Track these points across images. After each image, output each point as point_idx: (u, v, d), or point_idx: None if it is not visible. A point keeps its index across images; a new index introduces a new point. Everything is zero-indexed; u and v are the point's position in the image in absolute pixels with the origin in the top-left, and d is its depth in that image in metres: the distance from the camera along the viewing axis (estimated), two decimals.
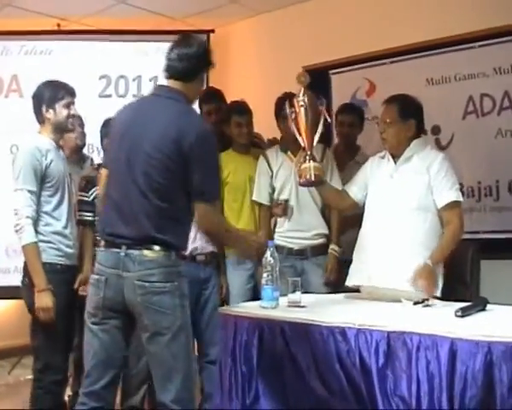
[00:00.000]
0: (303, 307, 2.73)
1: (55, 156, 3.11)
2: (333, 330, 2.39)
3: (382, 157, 3.13)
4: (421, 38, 4.27)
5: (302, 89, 2.98)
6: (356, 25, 4.62)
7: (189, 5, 4.96)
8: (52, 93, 3.11)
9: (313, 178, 2.97)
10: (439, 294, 2.89)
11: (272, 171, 3.63)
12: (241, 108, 3.81)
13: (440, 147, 4.18)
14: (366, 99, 4.51)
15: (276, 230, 3.70)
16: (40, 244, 3.03)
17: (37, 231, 3.03)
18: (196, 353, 3.71)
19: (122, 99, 4.45)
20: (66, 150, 3.52)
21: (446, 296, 2.86)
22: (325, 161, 3.58)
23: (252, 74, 5.15)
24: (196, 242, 3.53)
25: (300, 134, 2.98)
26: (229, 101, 4.04)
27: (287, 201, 3.56)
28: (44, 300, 2.97)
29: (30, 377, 3.16)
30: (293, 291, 2.76)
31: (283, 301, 2.75)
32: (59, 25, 5.23)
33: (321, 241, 3.62)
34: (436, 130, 4.21)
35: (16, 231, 3.02)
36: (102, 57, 4.92)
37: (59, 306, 3.01)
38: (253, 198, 3.72)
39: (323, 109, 2.98)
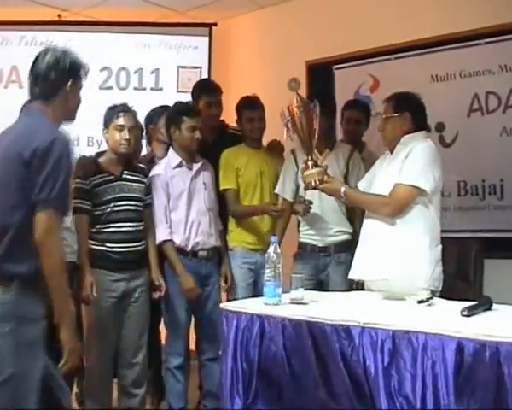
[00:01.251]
0: (305, 303, 2.70)
1: None
2: (336, 327, 2.36)
3: (386, 154, 3.15)
4: (427, 34, 4.23)
5: (295, 95, 2.98)
6: (360, 20, 4.57)
7: None
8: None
9: (315, 184, 3.03)
10: (426, 285, 2.83)
11: (298, 168, 3.57)
12: (253, 103, 3.81)
13: (444, 144, 4.15)
14: (370, 95, 4.48)
15: (300, 228, 3.70)
16: None
17: None
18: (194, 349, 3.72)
19: (123, 91, 4.41)
20: None
21: (449, 295, 2.82)
22: (351, 164, 3.58)
23: (254, 69, 5.11)
24: (198, 237, 3.51)
25: (301, 140, 3.05)
26: (230, 95, 4.02)
27: (311, 203, 3.50)
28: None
29: None
30: (296, 288, 2.73)
31: (286, 297, 2.72)
32: (60, 15, 5.18)
33: (344, 238, 3.59)
34: (440, 127, 4.18)
35: None
36: (103, 49, 4.88)
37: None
38: (276, 191, 3.73)
39: (316, 112, 2.99)
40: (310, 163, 3.03)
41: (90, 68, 4.39)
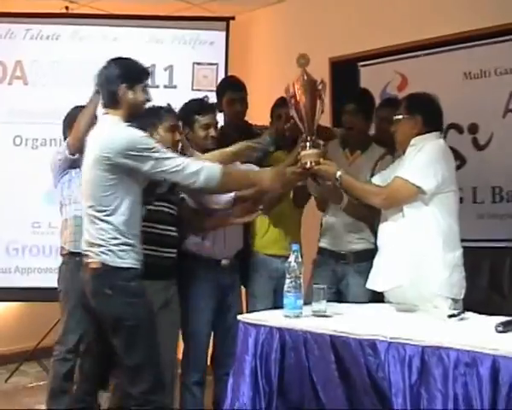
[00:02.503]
0: (329, 316, 2.72)
1: None
2: (362, 342, 2.37)
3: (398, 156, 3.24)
4: (459, 29, 4.22)
5: (302, 72, 3.09)
6: (387, 14, 4.58)
7: None
8: (133, 73, 3.00)
9: (310, 166, 3.08)
10: (460, 295, 2.92)
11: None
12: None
13: (478, 147, 4.15)
14: (397, 94, 4.47)
15: (321, 232, 3.73)
16: (123, 247, 2.87)
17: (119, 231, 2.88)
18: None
19: None
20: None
21: (482, 309, 2.82)
22: (377, 167, 3.56)
23: (274, 65, 5.13)
24: (219, 245, 3.53)
25: (301, 119, 3.10)
26: (249, 93, 4.04)
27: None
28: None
29: (30, 384, 3.18)
30: (318, 300, 2.74)
31: (307, 310, 2.74)
32: (67, 8, 5.24)
33: (364, 246, 3.59)
34: (474, 128, 4.17)
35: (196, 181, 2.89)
36: (113, 44, 4.92)
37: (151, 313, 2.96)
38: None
39: (322, 93, 3.10)
40: (308, 144, 3.08)
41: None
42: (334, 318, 2.71)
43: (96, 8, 5.25)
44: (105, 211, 2.86)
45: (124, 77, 2.93)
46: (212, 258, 3.54)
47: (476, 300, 2.97)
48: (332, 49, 4.69)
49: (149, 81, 3.10)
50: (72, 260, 3.71)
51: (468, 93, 4.00)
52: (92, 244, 2.90)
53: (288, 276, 2.69)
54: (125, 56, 3.05)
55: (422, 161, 2.94)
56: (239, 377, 2.67)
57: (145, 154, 2.81)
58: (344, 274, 3.60)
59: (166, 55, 4.93)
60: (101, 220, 2.87)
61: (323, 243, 3.70)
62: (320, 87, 3.11)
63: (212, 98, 3.90)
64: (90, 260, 2.90)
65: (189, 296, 3.47)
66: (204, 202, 3.44)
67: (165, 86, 4.85)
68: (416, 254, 2.93)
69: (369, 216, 3.43)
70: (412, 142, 3.03)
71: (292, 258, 2.71)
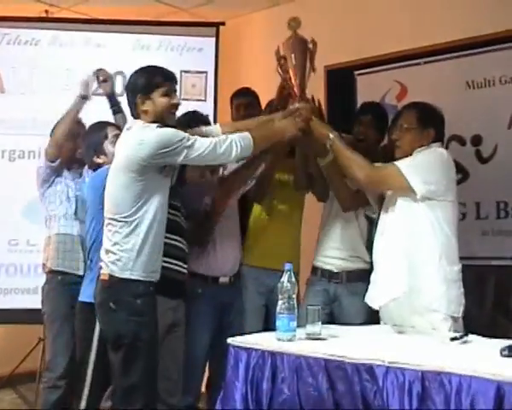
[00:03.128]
0: (323, 339, 2.72)
1: None
2: (358, 366, 2.37)
3: None
4: (461, 36, 4.26)
5: (293, 33, 3.29)
6: (385, 19, 4.63)
7: None
8: (148, 80, 3.06)
9: (302, 118, 3.21)
10: (459, 313, 2.94)
11: None
12: None
13: (482, 160, 4.17)
14: (397, 104, 4.50)
15: (316, 250, 3.73)
16: (136, 256, 2.92)
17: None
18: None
19: (119, 98, 4.43)
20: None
21: (488, 331, 2.83)
22: None
23: (266, 74, 5.09)
24: (217, 261, 3.55)
25: (290, 79, 3.27)
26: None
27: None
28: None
29: None
30: (313, 321, 2.74)
31: (301, 332, 2.74)
32: (47, 11, 5.27)
33: (359, 266, 3.60)
34: (477, 140, 4.19)
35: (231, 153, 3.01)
36: (97, 50, 4.95)
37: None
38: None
39: (312, 52, 3.28)
40: (297, 99, 3.26)
41: (81, 72, 4.49)
42: (329, 340, 2.71)
43: (78, 12, 5.27)
44: (126, 215, 2.91)
45: (138, 88, 3.03)
46: (210, 275, 3.58)
47: (480, 321, 2.99)
48: (327, 56, 4.66)
49: (173, 84, 3.11)
50: (55, 278, 3.71)
51: (470, 103, 4.02)
52: (106, 251, 2.97)
53: (280, 296, 2.69)
54: (146, 65, 3.15)
55: (422, 162, 3.00)
56: (227, 403, 2.66)
57: (176, 146, 2.90)
58: (336, 295, 3.61)
59: (153, 62, 4.91)
60: (120, 223, 2.93)
61: (316, 261, 3.71)
62: (311, 46, 3.28)
63: (204, 109, 3.95)
64: (101, 272, 2.99)
65: (188, 319, 3.47)
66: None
67: None
68: (412, 266, 2.96)
69: (344, 185, 3.45)
70: (414, 153, 3.07)
71: (285, 277, 2.70)
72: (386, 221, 3.14)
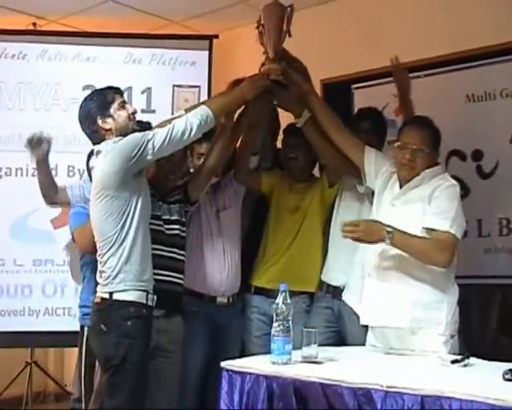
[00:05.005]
0: (320, 362, 2.71)
1: None
2: (356, 391, 2.36)
3: (394, 172, 3.23)
4: (461, 48, 4.30)
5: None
6: (383, 32, 4.66)
7: (189, 5, 5.02)
8: (101, 101, 3.18)
9: (275, 77, 3.39)
10: (443, 331, 2.95)
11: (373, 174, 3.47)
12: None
13: (483, 175, 4.18)
14: (395, 118, 4.51)
15: (324, 265, 3.71)
16: (125, 277, 3.02)
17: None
18: None
19: None
20: None
21: (491, 354, 2.83)
22: None
23: None
24: (216, 280, 3.55)
25: (266, 42, 3.40)
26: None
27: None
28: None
29: None
30: (309, 344, 2.74)
31: (297, 355, 2.73)
32: (35, 24, 5.28)
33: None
34: (478, 155, 4.21)
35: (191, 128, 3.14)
36: (86, 64, 4.96)
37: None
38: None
39: (289, 17, 3.41)
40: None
41: (70, 86, 4.45)
42: (326, 364, 2.70)
43: (67, 24, 5.29)
44: (110, 235, 3.02)
45: (95, 112, 3.13)
46: (206, 294, 3.57)
47: (484, 342, 2.98)
48: (324, 70, 4.73)
49: (123, 97, 3.25)
50: None
51: (471, 117, 4.04)
52: (100, 273, 3.08)
53: (275, 318, 2.69)
54: (91, 92, 3.32)
55: (451, 205, 2.99)
56: None
57: (142, 144, 3.03)
58: (340, 313, 3.58)
59: (144, 76, 4.96)
60: (105, 243, 3.05)
61: (323, 276, 3.67)
62: (288, 11, 3.42)
63: None
64: (96, 295, 3.09)
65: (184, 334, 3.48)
66: None
67: (143, 111, 4.82)
68: (419, 289, 2.97)
69: (329, 145, 3.47)
70: (422, 175, 3.09)
71: (279, 299, 2.70)
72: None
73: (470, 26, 4.26)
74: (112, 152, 3.04)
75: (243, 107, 3.54)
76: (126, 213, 3.03)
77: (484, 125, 4.16)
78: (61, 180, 4.17)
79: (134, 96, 4.92)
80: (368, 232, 2.95)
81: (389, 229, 2.91)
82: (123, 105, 3.18)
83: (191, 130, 3.13)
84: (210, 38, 5.11)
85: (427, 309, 2.97)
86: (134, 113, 3.22)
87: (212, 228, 3.65)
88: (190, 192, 3.52)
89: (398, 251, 2.98)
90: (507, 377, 2.33)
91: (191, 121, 3.14)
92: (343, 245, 3.54)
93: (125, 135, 3.12)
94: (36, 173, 3.66)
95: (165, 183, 3.49)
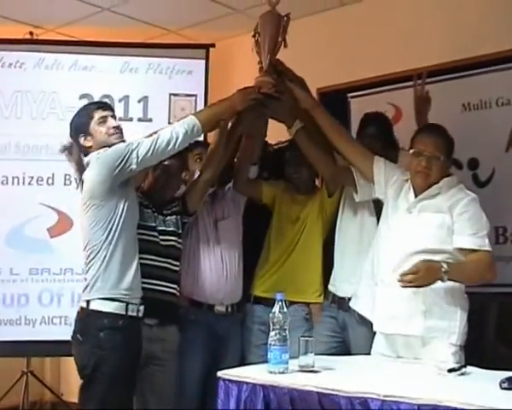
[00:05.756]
0: (317, 371, 2.71)
1: None
2: (352, 400, 2.36)
3: (406, 180, 3.23)
4: (457, 57, 4.31)
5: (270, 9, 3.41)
6: (379, 41, 4.67)
7: (185, 15, 5.03)
8: (82, 117, 3.26)
9: (267, 90, 3.39)
10: (455, 341, 2.96)
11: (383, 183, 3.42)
12: None
13: (479, 184, 4.18)
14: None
15: (332, 275, 3.69)
16: (104, 287, 3.09)
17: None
18: None
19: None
20: None
21: (489, 363, 2.83)
22: None
23: None
24: (214, 288, 3.57)
25: (261, 51, 3.41)
26: None
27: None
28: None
29: None
30: (306, 353, 2.74)
31: (294, 364, 2.73)
32: (32, 33, 5.29)
33: None
34: (474, 164, 4.21)
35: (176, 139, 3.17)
36: (83, 73, 4.95)
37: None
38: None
39: (285, 27, 3.41)
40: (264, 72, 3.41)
41: (67, 95, 4.47)
42: (323, 373, 2.71)
43: (64, 33, 5.29)
44: (94, 244, 3.10)
45: (77, 130, 3.25)
46: (204, 302, 3.57)
47: (481, 351, 2.98)
48: (320, 78, 4.73)
49: (106, 110, 3.28)
50: None
51: (467, 125, 4.04)
52: (85, 281, 3.17)
53: (272, 327, 2.70)
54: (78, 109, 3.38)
55: (480, 222, 3.03)
56: None
57: (126, 153, 3.09)
58: (345, 323, 3.56)
59: (141, 85, 4.96)
60: (91, 257, 3.11)
61: (330, 285, 3.66)
62: (284, 21, 3.41)
63: None
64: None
65: (180, 343, 3.50)
66: None
67: (140, 119, 4.86)
68: (434, 297, 2.97)
69: (322, 155, 3.52)
70: (441, 183, 3.10)
71: (276, 308, 2.71)
72: (390, 239, 3.15)
73: (466, 35, 4.27)
74: (97, 162, 3.11)
75: (235, 118, 3.55)
76: (112, 221, 3.08)
77: (480, 134, 4.17)
78: (57, 189, 4.21)
79: (131, 104, 4.94)
80: (427, 276, 2.86)
81: (445, 267, 2.86)
82: (103, 120, 3.22)
83: (177, 139, 3.16)
84: (206, 47, 5.11)
85: (442, 318, 2.96)
86: (116, 127, 3.23)
87: (211, 237, 3.66)
88: (189, 204, 3.54)
89: (412, 261, 2.96)
90: (504, 386, 2.34)
91: (177, 131, 3.18)
92: (348, 255, 3.58)
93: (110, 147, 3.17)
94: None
95: (161, 194, 3.52)
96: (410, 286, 2.85)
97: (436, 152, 3.08)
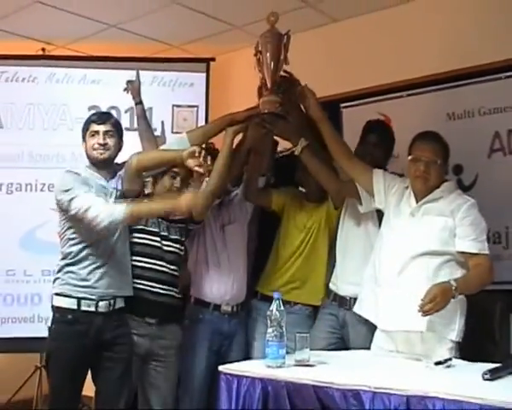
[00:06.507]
0: (312, 365, 2.72)
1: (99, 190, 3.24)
2: (345, 393, 2.38)
3: (406, 187, 3.22)
4: (441, 69, 4.31)
5: (270, 28, 3.31)
6: (369, 54, 4.67)
7: (187, 31, 5.02)
8: (84, 124, 3.36)
9: (265, 111, 3.30)
10: (455, 337, 2.96)
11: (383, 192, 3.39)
12: None
13: (463, 188, 4.17)
14: None
15: (333, 274, 3.66)
16: (61, 280, 3.25)
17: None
18: None
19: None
20: None
21: (472, 356, 2.84)
22: None
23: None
24: (221, 290, 3.56)
25: (263, 70, 3.31)
26: None
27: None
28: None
29: None
30: (301, 348, 2.74)
31: (291, 359, 2.74)
32: (44, 49, 5.28)
33: None
34: (458, 170, 4.21)
35: (99, 223, 3.10)
36: (91, 86, 4.96)
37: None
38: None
39: (286, 45, 3.31)
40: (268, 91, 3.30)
41: (76, 107, 4.49)
42: (318, 367, 2.71)
43: (74, 49, 5.30)
44: (61, 240, 3.30)
45: (82, 135, 3.37)
46: (211, 302, 3.58)
47: (467, 347, 2.99)
48: (314, 89, 4.72)
49: (100, 125, 3.32)
50: None
51: (451, 134, 4.00)
52: None
53: (269, 324, 2.70)
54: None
55: (480, 227, 3.07)
56: None
57: (64, 194, 3.16)
58: (345, 321, 3.52)
59: (146, 97, 4.91)
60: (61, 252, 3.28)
61: (331, 284, 3.63)
62: (285, 39, 3.31)
63: None
64: None
65: (185, 341, 3.51)
66: None
67: None
68: None
69: (327, 171, 3.49)
70: (442, 187, 3.12)
71: (274, 306, 2.72)
72: (392, 242, 3.14)
73: (450, 49, 4.27)
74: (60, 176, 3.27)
75: (242, 136, 3.54)
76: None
77: (463, 142, 4.15)
78: None
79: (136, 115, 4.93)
80: (444, 299, 2.82)
81: (454, 284, 2.85)
82: (94, 134, 3.28)
83: (96, 226, 3.10)
84: (207, 60, 5.12)
85: (443, 316, 2.92)
86: (102, 144, 3.27)
87: (218, 241, 3.64)
88: (195, 215, 3.48)
89: (416, 263, 3.01)
90: (486, 377, 2.36)
91: (100, 221, 3.08)
92: (349, 257, 3.55)
93: (92, 160, 3.30)
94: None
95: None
96: (432, 313, 2.81)
97: (433, 157, 3.09)
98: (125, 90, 4.09)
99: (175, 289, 3.45)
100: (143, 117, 4.04)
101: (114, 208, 3.13)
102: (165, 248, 3.43)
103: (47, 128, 4.90)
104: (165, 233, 3.45)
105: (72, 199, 3.11)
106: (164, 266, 3.41)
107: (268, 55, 3.29)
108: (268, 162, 3.78)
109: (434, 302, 2.79)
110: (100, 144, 3.26)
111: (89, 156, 3.30)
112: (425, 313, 2.79)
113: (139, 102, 4.07)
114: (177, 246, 3.49)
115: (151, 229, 3.40)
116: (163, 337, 3.39)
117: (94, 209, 3.07)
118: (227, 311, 3.61)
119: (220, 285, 3.59)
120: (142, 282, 3.36)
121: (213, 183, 3.45)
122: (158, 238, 3.42)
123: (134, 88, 4.07)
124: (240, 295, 3.67)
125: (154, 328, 3.34)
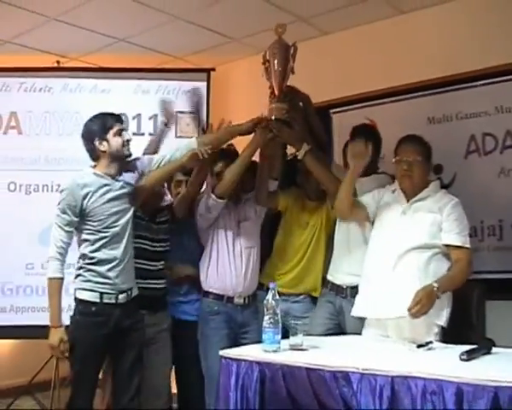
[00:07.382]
0: (305, 349, 2.73)
1: (101, 190, 3.16)
2: (336, 374, 2.39)
3: (393, 191, 3.24)
4: (423, 77, 4.33)
5: (277, 38, 3.31)
6: (357, 64, 4.68)
7: (189, 43, 5.03)
8: (101, 125, 3.19)
9: (274, 117, 3.30)
10: (443, 323, 2.98)
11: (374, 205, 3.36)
12: None
13: (443, 186, 4.16)
14: None
15: (330, 265, 3.64)
16: (82, 277, 3.24)
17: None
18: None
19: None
20: None
21: (451, 339, 2.86)
22: None
23: (253, 113, 5.17)
24: (234, 282, 3.56)
25: (272, 79, 3.33)
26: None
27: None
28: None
29: None
30: (295, 334, 2.76)
31: (286, 344, 2.76)
32: (58, 62, 5.29)
33: None
34: (438, 169, 4.22)
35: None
36: (102, 95, 4.97)
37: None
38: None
39: (293, 56, 3.31)
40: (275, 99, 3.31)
41: (88, 114, 4.49)
42: (310, 351, 2.73)
43: (86, 61, 5.31)
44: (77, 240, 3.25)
45: (94, 133, 3.16)
46: (224, 295, 3.56)
47: (447, 330, 3.02)
48: None
49: (122, 124, 3.26)
50: None
51: (432, 136, 4.00)
52: None
53: (266, 312, 2.72)
54: (97, 113, 3.27)
55: (464, 223, 3.11)
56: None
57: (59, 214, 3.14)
58: (341, 308, 3.48)
59: (151, 104, 4.94)
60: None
61: (328, 275, 3.60)
62: (292, 50, 3.32)
63: None
64: None
65: (203, 332, 3.55)
66: None
67: (150, 134, 4.83)
68: (425, 282, 2.93)
69: (327, 173, 3.48)
70: (431, 187, 3.16)
71: (269, 295, 2.73)
72: (384, 239, 3.16)
73: (431, 60, 4.29)
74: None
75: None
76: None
77: (443, 144, 4.15)
78: None
79: (143, 121, 4.96)
80: (428, 301, 2.83)
81: (436, 285, 2.86)
82: (120, 132, 3.19)
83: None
84: (207, 70, 5.12)
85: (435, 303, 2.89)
86: (129, 140, 3.22)
87: (233, 236, 3.61)
88: (176, 212, 3.63)
89: (409, 255, 3.03)
90: (462, 358, 2.39)
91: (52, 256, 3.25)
92: (345, 252, 3.53)
93: (117, 157, 3.17)
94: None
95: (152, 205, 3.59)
96: (420, 316, 2.82)
97: (415, 156, 3.12)
98: (161, 109, 4.11)
99: (158, 281, 3.54)
100: (162, 136, 4.06)
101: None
102: (152, 249, 3.53)
103: (62, 134, 4.93)
104: (154, 236, 3.54)
105: (56, 224, 3.15)
106: (150, 264, 3.50)
107: (276, 64, 3.27)
108: (279, 166, 3.73)
109: (420, 305, 2.80)
110: (128, 140, 3.21)
111: (116, 153, 3.17)
112: (413, 315, 2.80)
113: (166, 125, 4.10)
114: (164, 244, 3.59)
115: (140, 233, 3.45)
116: (155, 323, 3.47)
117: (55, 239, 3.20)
118: (240, 303, 3.58)
119: (233, 279, 3.56)
120: (141, 281, 3.41)
121: (190, 188, 3.56)
122: (148, 241, 3.51)
123: (169, 113, 4.11)
124: (252, 288, 3.63)
125: (146, 317, 3.37)
